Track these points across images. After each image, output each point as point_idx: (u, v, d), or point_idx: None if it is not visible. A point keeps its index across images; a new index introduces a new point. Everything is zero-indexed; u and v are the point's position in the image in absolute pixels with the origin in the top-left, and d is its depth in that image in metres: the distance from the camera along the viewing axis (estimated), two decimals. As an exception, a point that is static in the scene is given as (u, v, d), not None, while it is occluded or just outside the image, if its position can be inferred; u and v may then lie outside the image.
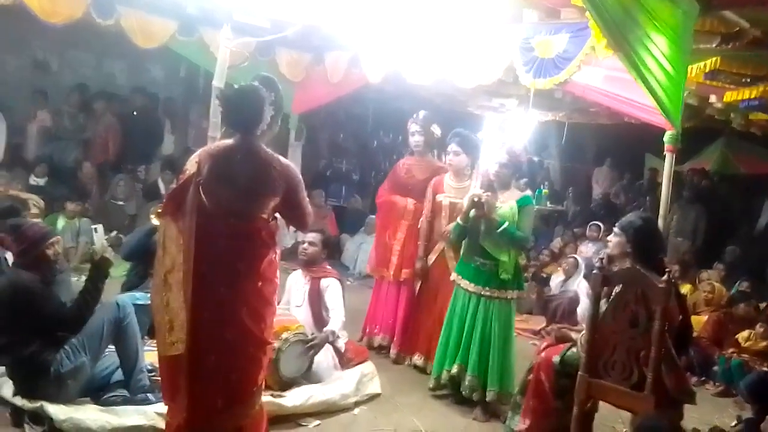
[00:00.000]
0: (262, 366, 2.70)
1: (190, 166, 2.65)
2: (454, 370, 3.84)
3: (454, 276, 3.99)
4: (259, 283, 2.63)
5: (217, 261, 2.58)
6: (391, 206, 4.71)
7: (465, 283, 3.88)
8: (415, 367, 4.36)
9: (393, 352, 4.52)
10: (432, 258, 4.37)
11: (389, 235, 4.65)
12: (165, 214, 2.69)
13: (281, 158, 2.69)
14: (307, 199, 2.79)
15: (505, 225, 3.71)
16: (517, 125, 6.89)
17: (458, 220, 3.91)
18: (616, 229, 3.22)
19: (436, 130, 4.68)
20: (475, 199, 3.73)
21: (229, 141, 2.69)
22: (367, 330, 4.74)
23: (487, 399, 3.77)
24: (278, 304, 4.07)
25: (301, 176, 2.74)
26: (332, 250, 4.81)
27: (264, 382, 2.82)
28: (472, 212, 3.78)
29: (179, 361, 2.57)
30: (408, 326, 4.48)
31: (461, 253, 3.99)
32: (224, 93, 2.72)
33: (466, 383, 3.80)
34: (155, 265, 2.70)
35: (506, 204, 3.82)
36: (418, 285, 4.41)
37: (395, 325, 4.56)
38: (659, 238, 3.28)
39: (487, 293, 3.81)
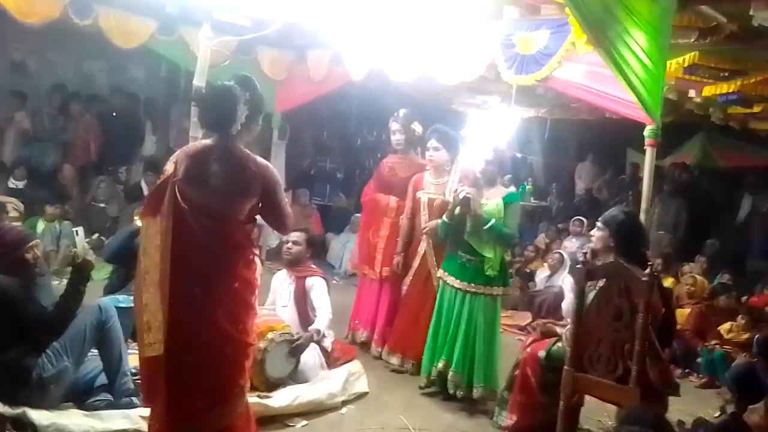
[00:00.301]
0: (243, 367, 2.67)
1: (169, 166, 2.64)
2: (440, 365, 3.86)
3: (440, 273, 4.01)
4: (236, 284, 2.61)
5: (192, 261, 2.55)
6: (374, 204, 4.75)
7: (451, 280, 3.90)
8: (394, 368, 4.33)
9: (374, 348, 4.55)
10: (417, 261, 4.36)
11: (372, 233, 4.67)
12: (145, 214, 2.68)
13: (258, 159, 2.65)
14: (286, 200, 2.76)
15: (492, 222, 3.72)
16: (500, 122, 6.93)
17: (444, 217, 3.92)
18: (599, 224, 3.25)
19: (417, 127, 4.70)
20: (460, 195, 3.73)
21: (207, 141, 2.67)
22: (351, 326, 4.78)
23: (473, 396, 3.79)
24: (264, 304, 4.09)
25: (279, 177, 2.71)
26: (317, 249, 4.80)
27: (248, 384, 2.80)
28: (458, 209, 3.79)
29: (158, 362, 2.56)
30: (389, 324, 4.51)
31: (447, 249, 4.00)
32: (198, 93, 2.71)
33: (450, 379, 3.82)
34: (137, 266, 2.67)
35: (492, 201, 3.84)
36: (405, 284, 4.40)
37: (376, 322, 4.59)
38: (642, 232, 3.32)
39: (473, 289, 3.83)
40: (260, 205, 2.66)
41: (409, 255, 4.42)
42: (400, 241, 4.46)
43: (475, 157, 4.04)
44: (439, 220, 4.08)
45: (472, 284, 3.83)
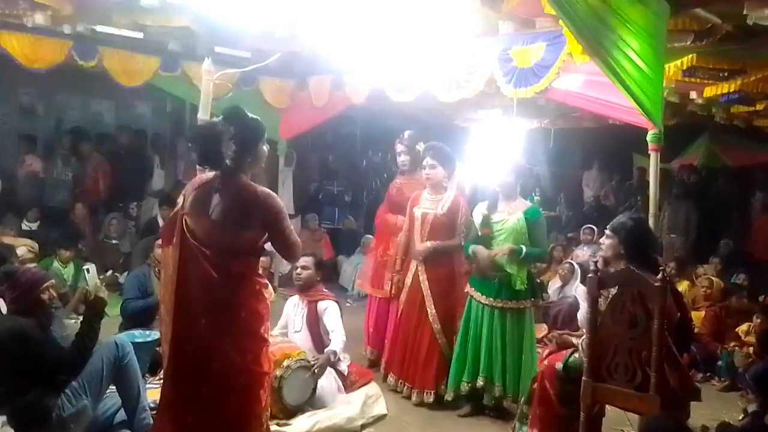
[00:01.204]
0: (258, 397, 2.66)
1: (180, 198, 2.72)
2: (480, 383, 3.85)
3: (467, 288, 4.03)
4: (242, 314, 2.61)
5: (198, 293, 2.58)
6: (384, 224, 4.86)
7: (478, 295, 3.93)
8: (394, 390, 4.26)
9: (383, 372, 4.46)
10: (409, 279, 4.30)
11: (381, 252, 4.74)
12: (163, 245, 2.75)
13: (260, 188, 2.66)
14: (292, 228, 2.75)
15: (524, 250, 3.77)
16: (504, 135, 6.95)
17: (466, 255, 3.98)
18: (607, 232, 3.24)
19: (422, 148, 4.73)
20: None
21: (212, 173, 2.70)
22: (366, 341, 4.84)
23: (506, 404, 3.84)
24: (277, 327, 4.11)
25: (282, 206, 2.69)
26: (328, 273, 4.83)
27: (268, 412, 2.79)
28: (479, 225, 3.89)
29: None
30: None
31: (473, 273, 4.01)
32: (190, 133, 2.80)
33: (494, 394, 3.84)
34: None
35: (513, 216, 3.88)
36: (400, 303, 4.34)
37: (385, 341, 4.59)
38: (651, 237, 3.30)
39: (500, 304, 3.86)
40: (265, 234, 2.67)
41: (403, 273, 4.41)
42: (397, 258, 4.45)
43: (490, 172, 4.06)
44: (428, 242, 4.14)
45: (499, 299, 3.85)
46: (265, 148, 2.78)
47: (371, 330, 4.77)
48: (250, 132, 2.68)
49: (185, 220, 2.63)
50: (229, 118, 2.63)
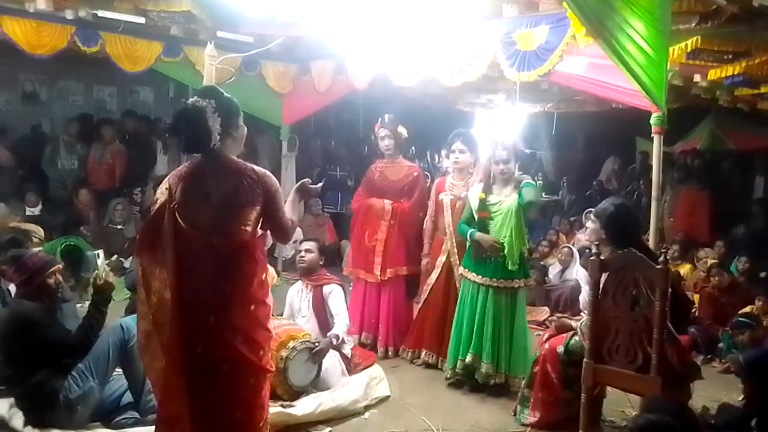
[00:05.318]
0: (265, 399, 2.52)
1: (161, 194, 2.51)
2: (468, 359, 3.93)
3: (461, 270, 4.11)
4: (252, 307, 2.46)
5: (203, 288, 2.40)
6: (368, 209, 4.83)
7: (472, 276, 3.99)
8: (428, 365, 4.42)
9: (380, 349, 4.63)
10: (442, 258, 4.43)
11: (368, 237, 4.74)
12: (141, 250, 2.48)
13: (255, 167, 2.52)
14: (285, 209, 2.58)
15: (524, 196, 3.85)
16: (507, 119, 6.94)
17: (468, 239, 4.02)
18: (592, 217, 3.29)
19: (403, 131, 4.83)
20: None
21: (195, 160, 2.51)
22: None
23: (496, 381, 3.92)
24: (283, 316, 4.14)
25: (279, 185, 2.54)
26: (332, 257, 4.84)
27: (267, 412, 2.61)
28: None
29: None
30: (395, 323, 4.64)
31: (467, 248, 4.09)
32: (168, 125, 2.63)
33: (482, 371, 3.91)
34: (138, 309, 2.50)
35: (510, 197, 3.93)
36: (429, 283, 4.47)
37: (378, 324, 4.69)
38: (632, 220, 3.28)
39: (494, 284, 3.92)
40: (262, 213, 2.49)
41: (433, 256, 4.52)
42: (426, 243, 4.58)
43: (491, 158, 4.08)
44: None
45: (494, 279, 3.92)
46: (244, 128, 2.60)
47: (363, 313, 4.77)
48: (229, 104, 2.50)
49: (177, 213, 2.42)
50: (203, 94, 2.46)
